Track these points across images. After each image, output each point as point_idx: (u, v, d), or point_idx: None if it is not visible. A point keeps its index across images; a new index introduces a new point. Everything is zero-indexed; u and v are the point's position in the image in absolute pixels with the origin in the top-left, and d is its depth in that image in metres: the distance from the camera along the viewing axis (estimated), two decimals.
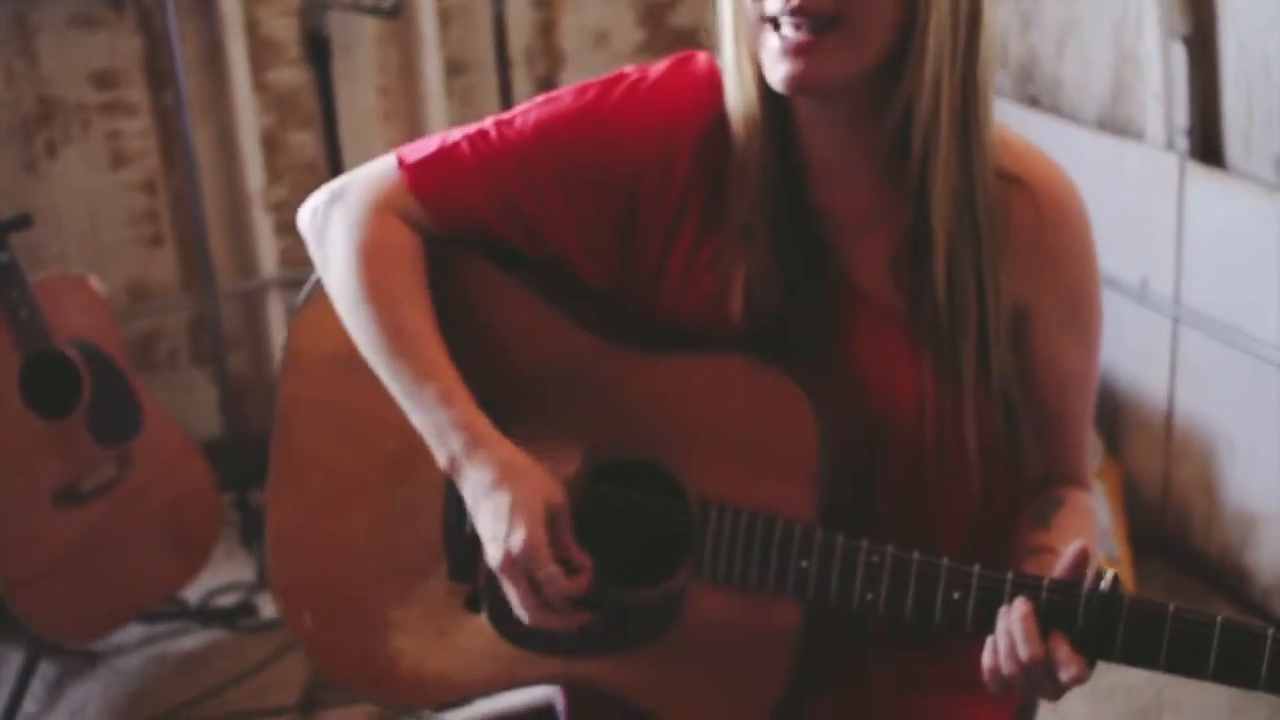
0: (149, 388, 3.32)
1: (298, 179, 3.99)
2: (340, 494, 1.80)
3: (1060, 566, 1.49)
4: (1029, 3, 3.71)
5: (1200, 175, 3.22)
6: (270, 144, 3.96)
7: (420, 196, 1.69)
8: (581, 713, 1.87)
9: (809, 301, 1.64)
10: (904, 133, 1.55)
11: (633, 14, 4.27)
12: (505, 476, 1.60)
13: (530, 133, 1.66)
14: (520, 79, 4.10)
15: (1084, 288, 1.68)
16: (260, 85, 3.91)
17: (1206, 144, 3.24)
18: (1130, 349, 3.49)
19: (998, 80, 1.65)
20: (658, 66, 1.67)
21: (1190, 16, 3.16)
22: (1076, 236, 1.65)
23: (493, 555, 1.61)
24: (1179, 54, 3.19)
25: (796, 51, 1.47)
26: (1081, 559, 1.48)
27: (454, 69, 4.10)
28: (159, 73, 3.79)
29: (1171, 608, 1.43)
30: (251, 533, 3.78)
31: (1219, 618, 1.42)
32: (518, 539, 1.58)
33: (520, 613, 1.62)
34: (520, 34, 4.12)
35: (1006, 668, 1.47)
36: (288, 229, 3.98)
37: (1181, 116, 3.23)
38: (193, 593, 3.54)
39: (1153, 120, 3.32)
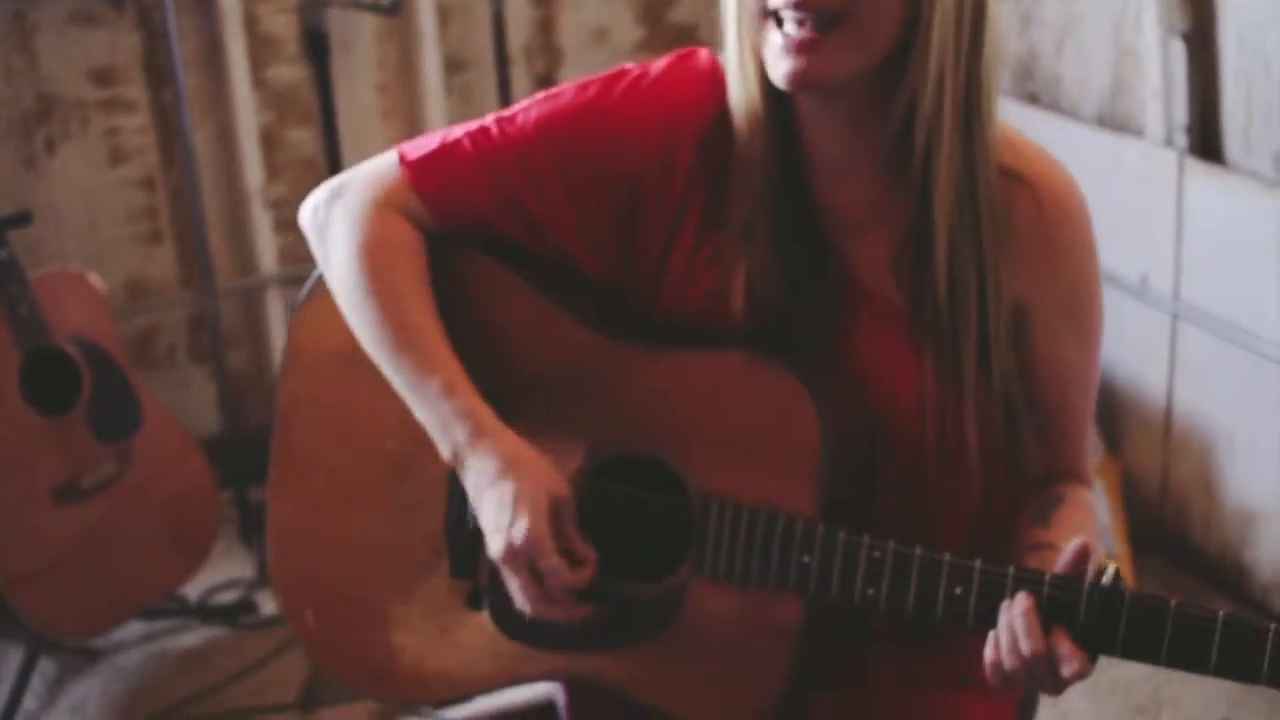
0: (148, 385, 3.32)
1: (297, 176, 3.99)
2: (341, 492, 1.80)
3: (1060, 562, 1.49)
4: (1029, 0, 3.72)
5: (1199, 172, 3.22)
6: (269, 141, 3.96)
7: (421, 193, 1.69)
8: (582, 709, 1.87)
9: (810, 298, 1.64)
10: (907, 129, 1.55)
11: (631, 11, 4.27)
12: (509, 467, 1.60)
13: (532, 129, 1.66)
14: (519, 76, 4.10)
15: (1085, 285, 1.68)
16: (259, 82, 3.91)
17: (1206, 141, 3.24)
18: (1129, 346, 3.49)
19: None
20: (659, 63, 1.67)
21: (1189, 13, 3.16)
22: (1078, 234, 1.65)
23: (495, 546, 1.60)
24: (1178, 51, 3.19)
25: (799, 48, 1.47)
26: (1082, 555, 1.48)
27: (453, 66, 4.10)
28: (158, 70, 3.78)
29: (1173, 602, 1.43)
30: (251, 530, 3.79)
31: (1220, 612, 1.42)
32: (520, 529, 1.58)
33: (522, 604, 1.62)
34: (519, 31, 4.12)
35: (1008, 662, 1.47)
36: (287, 226, 3.99)
37: (1181, 113, 3.24)
38: (192, 590, 3.55)
39: (1152, 117, 3.33)
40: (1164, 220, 3.31)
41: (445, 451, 1.64)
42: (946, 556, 1.52)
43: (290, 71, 3.95)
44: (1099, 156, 3.43)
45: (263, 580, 3.60)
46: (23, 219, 3.03)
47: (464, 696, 2.03)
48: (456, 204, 1.68)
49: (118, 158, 3.82)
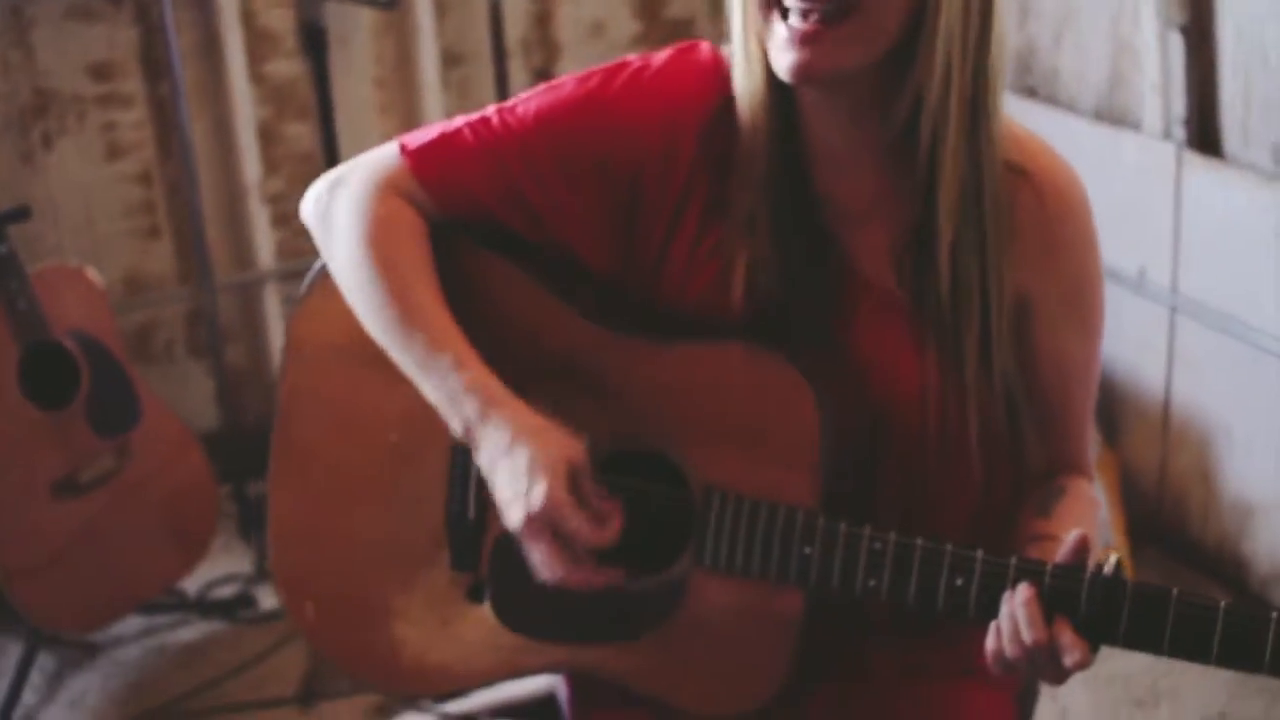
0: (146, 380, 3.32)
1: (294, 171, 3.98)
2: (342, 485, 1.80)
3: (1060, 553, 1.49)
4: None
5: (1198, 165, 3.22)
6: (267, 135, 3.96)
7: (422, 181, 1.69)
8: (584, 701, 1.86)
9: (811, 289, 1.65)
10: (912, 122, 1.55)
11: (628, 5, 4.27)
12: (522, 435, 1.58)
13: (532, 120, 1.66)
14: (516, 70, 4.10)
15: (1086, 278, 1.68)
16: (257, 77, 3.91)
17: (1204, 134, 3.24)
18: (1128, 339, 3.49)
19: None
20: (660, 55, 1.67)
21: (1187, 6, 3.16)
22: (1079, 228, 1.66)
23: (513, 516, 1.58)
24: (1176, 44, 3.19)
25: (804, 40, 1.47)
26: (1081, 546, 1.48)
27: (450, 60, 4.10)
28: (155, 64, 3.78)
29: (1175, 592, 1.43)
30: (249, 524, 3.79)
31: (1222, 602, 1.42)
32: (538, 493, 1.55)
33: (546, 574, 1.59)
34: (516, 25, 4.12)
35: (1010, 651, 1.47)
36: (284, 221, 3.98)
37: (1179, 106, 3.24)
38: (191, 584, 3.54)
39: (1150, 110, 3.33)
40: (1162, 213, 3.31)
41: (456, 427, 1.62)
42: (948, 547, 1.52)
43: (288, 66, 3.94)
44: (1097, 150, 3.43)
45: (261, 575, 3.60)
46: (22, 214, 3.02)
47: (465, 689, 2.03)
48: (457, 192, 1.68)
49: (115, 152, 3.82)
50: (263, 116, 3.95)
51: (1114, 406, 3.60)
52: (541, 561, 1.59)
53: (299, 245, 3.99)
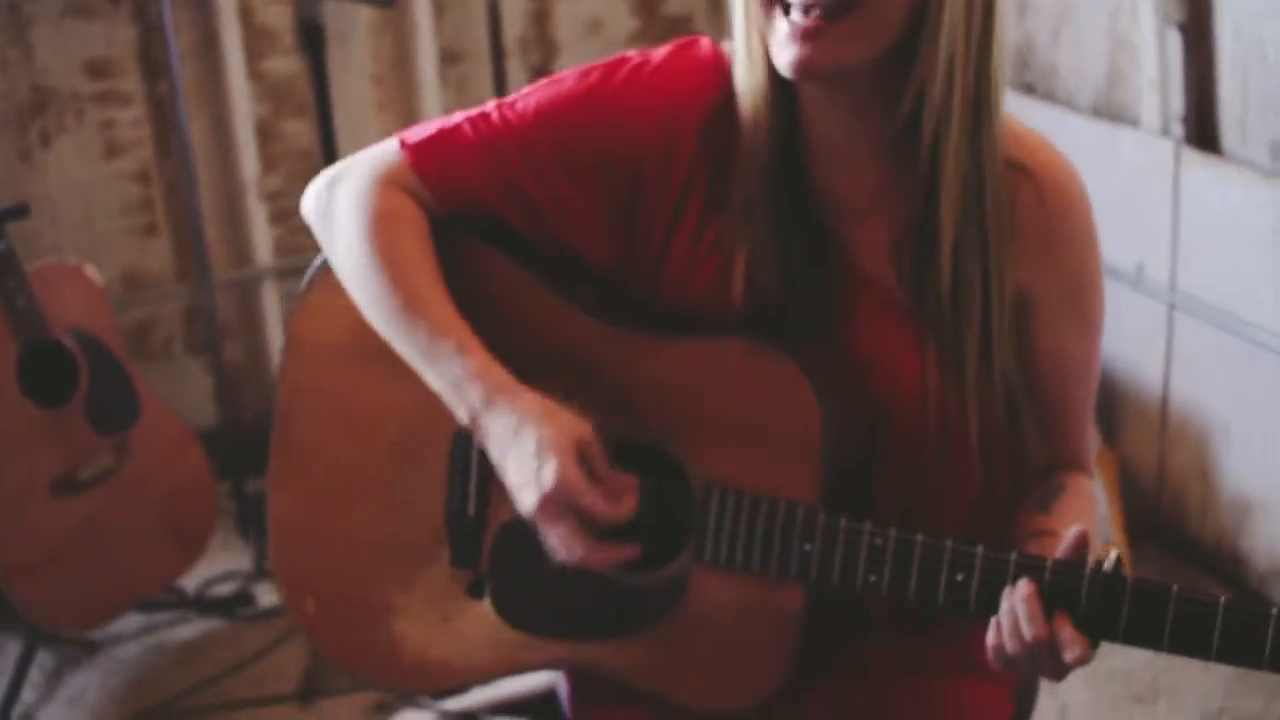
0: (144, 377, 3.32)
1: (292, 168, 3.98)
2: (342, 482, 1.80)
3: (1060, 550, 1.49)
4: None
5: (1196, 161, 3.22)
6: (265, 133, 3.96)
7: (422, 175, 1.69)
8: (584, 698, 1.87)
9: (811, 285, 1.65)
10: (914, 120, 1.55)
11: (626, 3, 4.27)
12: (528, 418, 1.58)
13: (532, 115, 1.66)
14: (514, 68, 4.10)
15: (1086, 275, 1.68)
16: (255, 74, 3.91)
17: (1202, 130, 3.24)
18: (1126, 335, 3.49)
19: None
20: (660, 51, 1.67)
21: (1186, 3, 3.16)
22: (1079, 224, 1.66)
23: (527, 500, 1.58)
24: (1174, 40, 3.19)
25: (805, 35, 1.47)
26: (1081, 542, 1.49)
27: (448, 58, 4.10)
28: (153, 62, 3.78)
29: (1175, 588, 1.43)
30: (248, 522, 3.79)
31: (1222, 598, 1.42)
32: (549, 473, 1.55)
33: (565, 555, 1.59)
34: (514, 23, 4.12)
35: (1010, 647, 1.47)
36: (282, 218, 3.98)
37: (1177, 103, 3.24)
38: (190, 582, 3.54)
39: (1148, 107, 3.33)
40: (1160, 210, 3.31)
41: (462, 415, 1.62)
42: (948, 543, 1.52)
43: (286, 63, 3.94)
44: (1095, 146, 3.43)
45: (260, 572, 3.60)
46: (21, 211, 3.02)
47: (466, 686, 2.02)
48: (457, 187, 1.68)
49: (113, 150, 3.82)
50: (261, 114, 3.95)
51: (1112, 403, 3.60)
52: (560, 543, 1.59)
53: (297, 242, 4.00)
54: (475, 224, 1.70)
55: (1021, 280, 1.63)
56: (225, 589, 3.58)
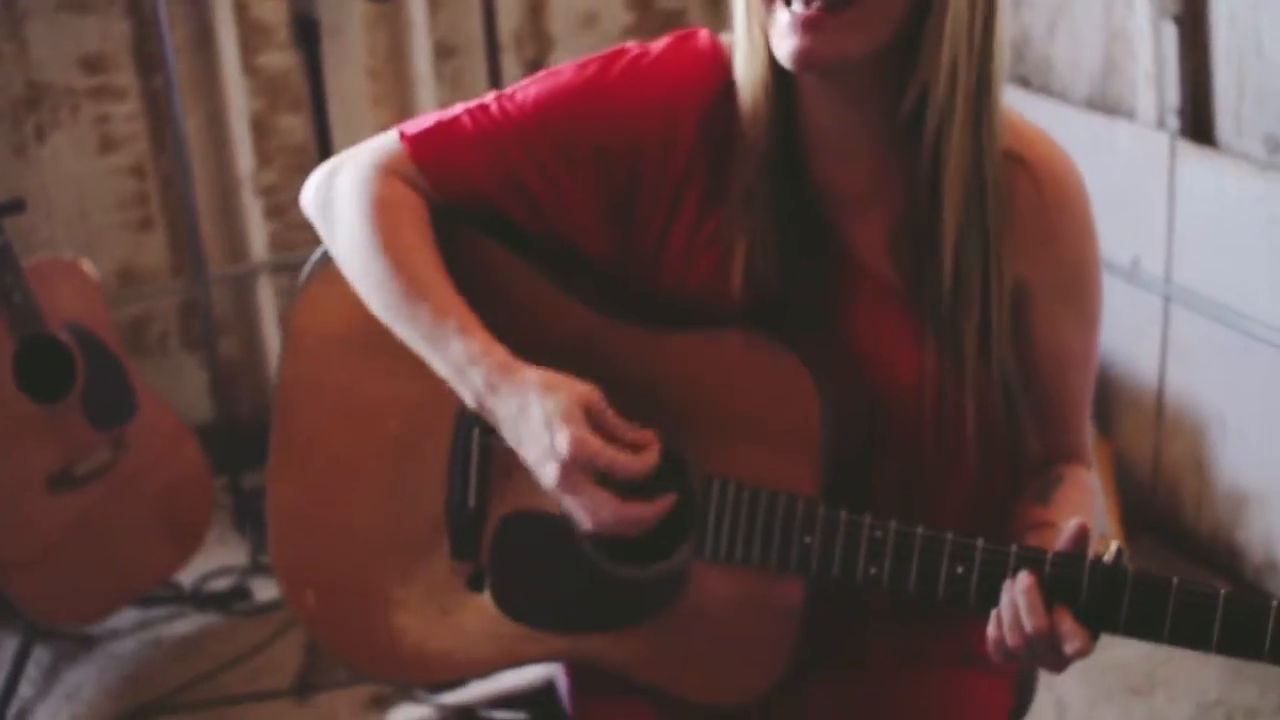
0: (140, 372, 3.31)
1: (287, 163, 3.98)
2: (342, 474, 1.80)
3: (1060, 542, 1.49)
4: None
5: (1191, 154, 3.23)
6: (260, 128, 3.95)
7: (422, 166, 1.69)
8: (584, 691, 1.87)
9: (809, 276, 1.65)
10: (916, 115, 1.55)
11: None
12: (531, 394, 1.57)
13: (531, 107, 1.66)
14: (509, 63, 4.10)
15: (1084, 266, 1.69)
16: (250, 69, 3.90)
17: (1197, 123, 3.25)
18: (1121, 328, 3.49)
19: None
20: (659, 43, 1.67)
21: None
22: (1077, 215, 1.66)
23: (547, 475, 1.57)
24: (1170, 33, 3.20)
25: (806, 26, 1.47)
26: (1081, 534, 1.48)
27: (443, 52, 4.09)
28: (148, 57, 3.77)
29: (1175, 580, 1.44)
30: (244, 516, 3.79)
31: (1222, 590, 1.42)
32: (563, 442, 1.55)
33: (595, 522, 1.58)
34: (509, 17, 4.11)
35: (1011, 639, 1.47)
36: (278, 213, 3.98)
37: (1172, 95, 3.24)
38: (186, 577, 3.54)
39: (1144, 99, 3.33)
40: (1156, 203, 3.31)
41: (468, 399, 1.62)
42: (949, 535, 1.52)
43: (281, 58, 3.94)
44: (1090, 139, 3.43)
45: (257, 567, 3.60)
46: (16, 206, 3.01)
47: (465, 678, 2.03)
48: (456, 179, 1.68)
49: (108, 145, 3.81)
50: (256, 109, 3.94)
51: (1108, 396, 3.60)
52: (587, 510, 1.58)
53: (292, 237, 3.99)
54: (474, 216, 1.70)
55: (1019, 272, 1.63)
56: (222, 584, 3.57)
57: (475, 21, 3.96)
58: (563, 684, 1.92)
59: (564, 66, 1.68)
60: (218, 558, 3.64)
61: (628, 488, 1.58)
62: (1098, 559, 1.46)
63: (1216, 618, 1.42)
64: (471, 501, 1.72)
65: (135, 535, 3.25)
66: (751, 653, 1.67)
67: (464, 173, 1.68)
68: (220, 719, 3.15)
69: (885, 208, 1.64)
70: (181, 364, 4.03)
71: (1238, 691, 3.04)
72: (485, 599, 1.75)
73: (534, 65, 4.15)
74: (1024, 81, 3.74)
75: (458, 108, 1.71)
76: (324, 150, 3.68)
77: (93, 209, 3.82)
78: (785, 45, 1.49)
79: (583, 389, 1.58)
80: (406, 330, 1.65)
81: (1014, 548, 1.50)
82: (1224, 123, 3.19)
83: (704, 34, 1.67)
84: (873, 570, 1.56)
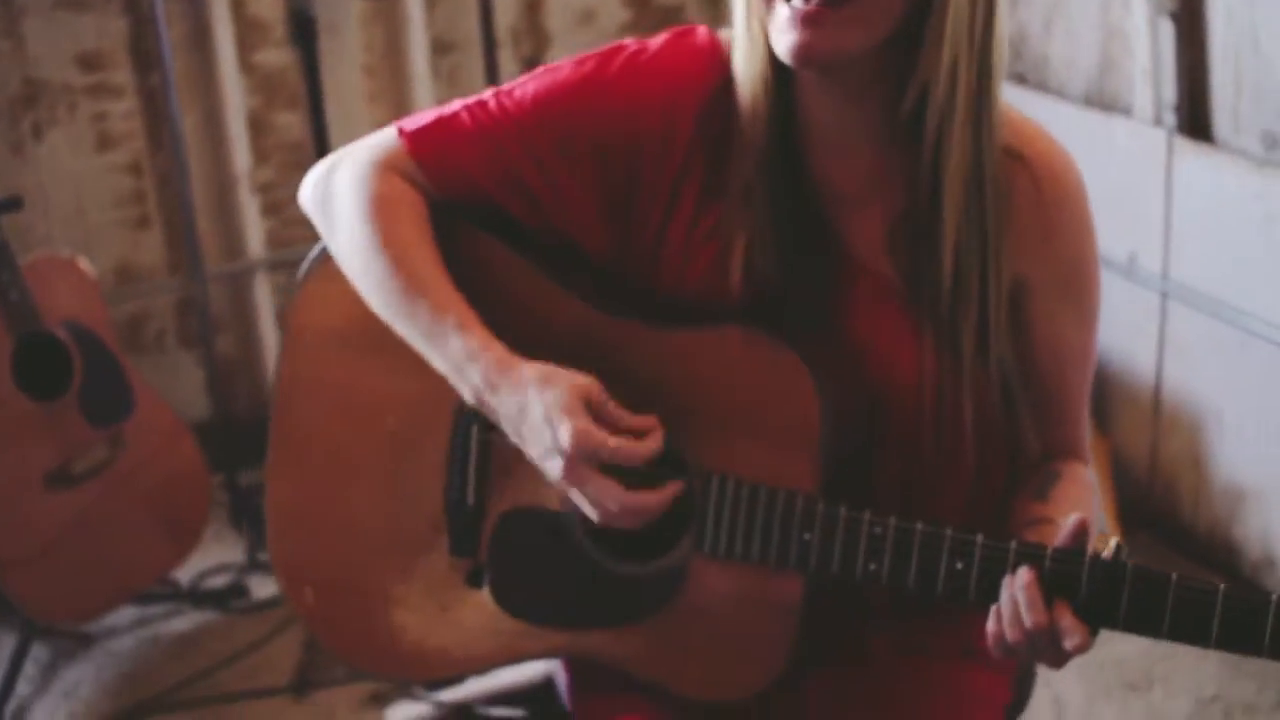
0: (137, 370, 3.31)
1: (284, 160, 3.98)
2: (341, 471, 1.80)
3: (1059, 538, 1.49)
4: None
5: (1188, 151, 3.23)
6: (257, 125, 3.95)
7: (421, 162, 1.69)
8: (583, 686, 1.87)
9: (807, 273, 1.65)
10: (916, 112, 1.55)
11: None
12: (530, 390, 1.57)
13: (530, 103, 1.66)
14: (506, 59, 4.10)
15: (1083, 263, 1.69)
16: (247, 66, 3.90)
17: (1194, 119, 3.25)
18: (1118, 324, 3.49)
19: None
20: (657, 39, 1.67)
21: None
22: (1075, 212, 1.66)
23: (553, 469, 1.57)
24: (1167, 29, 3.20)
25: (805, 22, 1.47)
26: (1080, 530, 1.49)
27: (440, 49, 4.09)
28: (145, 54, 3.77)
29: (1174, 576, 1.44)
30: (242, 514, 3.79)
31: (1221, 586, 1.42)
32: (564, 435, 1.54)
33: (603, 513, 1.58)
34: (506, 13, 4.11)
35: (1010, 635, 1.48)
36: (275, 210, 3.98)
37: (1169, 92, 3.24)
38: (184, 574, 3.54)
39: (1141, 96, 3.33)
40: (1153, 199, 3.31)
41: (467, 396, 1.62)
42: (948, 531, 1.53)
43: (277, 55, 3.94)
44: (1087, 136, 3.43)
45: (254, 564, 3.60)
46: (13, 204, 3.02)
47: (464, 675, 2.03)
48: (455, 175, 1.69)
49: (105, 143, 3.81)
50: (253, 106, 3.94)
51: (1105, 392, 3.60)
52: (594, 501, 1.58)
53: (289, 235, 3.99)
54: (473, 212, 1.70)
55: (1018, 269, 1.63)
56: (219, 581, 3.57)
57: (472, 18, 3.97)
58: (562, 680, 1.92)
59: (562, 63, 1.68)
60: (215, 555, 3.64)
61: (632, 479, 1.58)
62: (1097, 555, 1.46)
63: (1215, 613, 1.42)
64: (470, 498, 1.72)
65: (133, 533, 3.25)
66: (751, 649, 1.67)
67: (462, 169, 1.68)
68: (218, 716, 3.15)
69: (884, 205, 1.64)
70: (179, 361, 4.02)
71: (1236, 687, 3.04)
72: (484, 595, 1.75)
73: (531, 62, 4.15)
74: (1021, 79, 3.74)
75: (456, 104, 1.71)
76: (321, 147, 3.69)
77: (90, 207, 3.82)
78: (784, 40, 1.49)
79: (581, 381, 1.58)
80: (405, 327, 1.65)
81: (1013, 543, 1.50)
82: (1221, 119, 3.19)
83: (702, 30, 1.67)
84: (872, 566, 1.56)
